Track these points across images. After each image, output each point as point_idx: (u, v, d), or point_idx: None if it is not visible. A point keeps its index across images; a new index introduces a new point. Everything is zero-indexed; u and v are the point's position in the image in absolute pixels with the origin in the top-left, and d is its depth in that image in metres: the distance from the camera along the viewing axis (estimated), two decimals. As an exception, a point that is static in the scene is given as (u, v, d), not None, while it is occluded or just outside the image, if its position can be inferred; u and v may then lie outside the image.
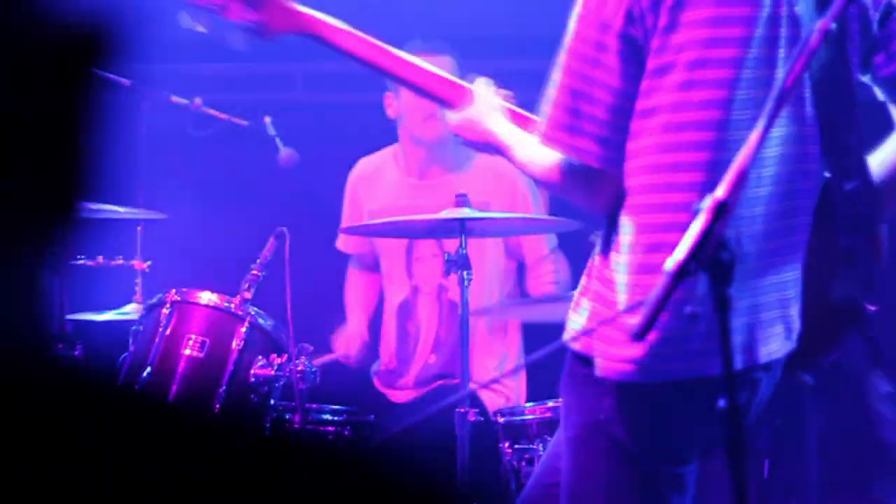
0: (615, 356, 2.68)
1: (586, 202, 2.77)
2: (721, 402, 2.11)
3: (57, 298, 4.78)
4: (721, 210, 2.03)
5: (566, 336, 2.79)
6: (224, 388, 4.35)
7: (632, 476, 2.76)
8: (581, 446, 2.80)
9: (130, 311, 4.87)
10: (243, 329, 4.44)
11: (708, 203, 2.04)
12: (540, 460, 3.11)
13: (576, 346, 2.77)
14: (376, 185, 5.24)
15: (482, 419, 4.29)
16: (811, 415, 5.50)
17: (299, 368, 4.40)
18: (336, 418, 4.66)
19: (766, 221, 2.68)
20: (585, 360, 2.75)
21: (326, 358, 5.13)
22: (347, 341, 5.28)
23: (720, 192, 2.05)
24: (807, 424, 5.55)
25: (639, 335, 2.06)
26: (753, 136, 2.11)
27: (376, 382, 5.27)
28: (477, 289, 4.79)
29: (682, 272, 2.00)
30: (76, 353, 4.66)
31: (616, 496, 2.76)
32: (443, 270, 4.34)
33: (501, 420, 4.62)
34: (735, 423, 2.11)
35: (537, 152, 2.78)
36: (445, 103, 3.09)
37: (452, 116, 3.04)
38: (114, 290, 5.15)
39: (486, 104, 3.00)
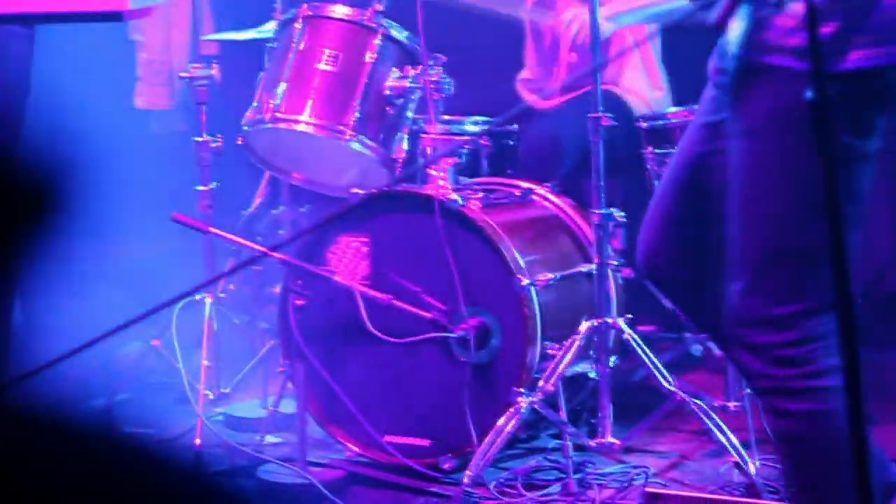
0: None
1: None
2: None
3: (196, 16, 4.76)
4: None
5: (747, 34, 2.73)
6: (358, 101, 4.32)
7: None
8: (764, 133, 2.77)
9: (270, 29, 4.82)
10: (376, 41, 4.38)
11: None
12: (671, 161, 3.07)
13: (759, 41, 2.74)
14: None
15: (616, 124, 4.19)
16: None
17: (434, 79, 4.34)
18: (477, 129, 4.60)
19: None
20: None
21: None
22: None
23: None
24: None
25: None
26: None
27: (521, 90, 5.19)
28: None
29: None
30: (212, 71, 4.66)
31: (807, 173, 2.68)
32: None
33: (644, 125, 4.53)
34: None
35: None
36: None
37: None
38: (255, 9, 5.11)
39: None
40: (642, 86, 4.98)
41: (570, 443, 4.03)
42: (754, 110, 2.79)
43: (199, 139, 4.70)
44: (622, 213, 4.23)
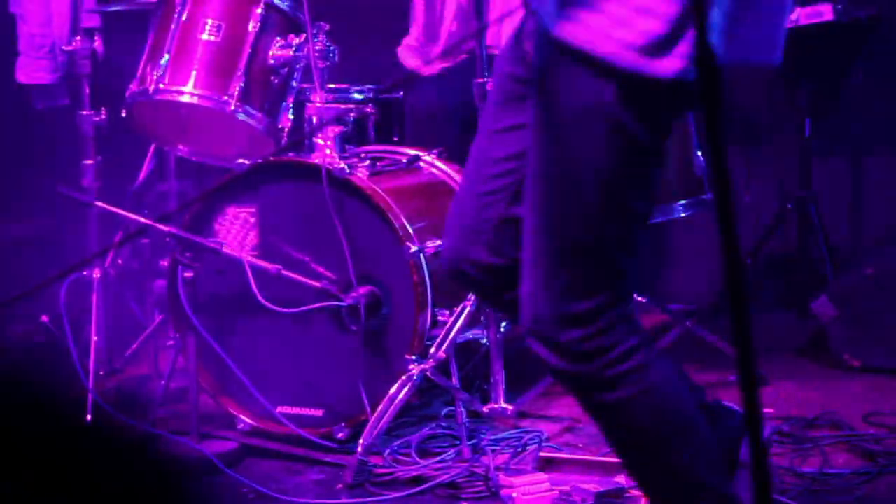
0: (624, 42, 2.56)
1: None
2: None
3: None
4: None
5: (559, 28, 2.64)
6: (242, 71, 4.29)
7: (628, 151, 2.64)
8: (569, 128, 2.65)
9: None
10: (259, 10, 4.34)
11: None
12: (466, 169, 2.99)
13: (572, 34, 2.63)
14: None
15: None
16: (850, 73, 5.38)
17: (318, 48, 4.31)
18: (362, 97, 4.59)
19: None
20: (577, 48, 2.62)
21: None
22: None
23: None
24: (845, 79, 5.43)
25: None
26: None
27: (404, 57, 5.18)
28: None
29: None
30: (95, 44, 4.61)
31: (609, 170, 2.64)
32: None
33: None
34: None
35: None
36: None
37: None
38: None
39: None
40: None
41: (463, 409, 4.04)
42: (562, 103, 2.65)
43: (83, 113, 4.64)
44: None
